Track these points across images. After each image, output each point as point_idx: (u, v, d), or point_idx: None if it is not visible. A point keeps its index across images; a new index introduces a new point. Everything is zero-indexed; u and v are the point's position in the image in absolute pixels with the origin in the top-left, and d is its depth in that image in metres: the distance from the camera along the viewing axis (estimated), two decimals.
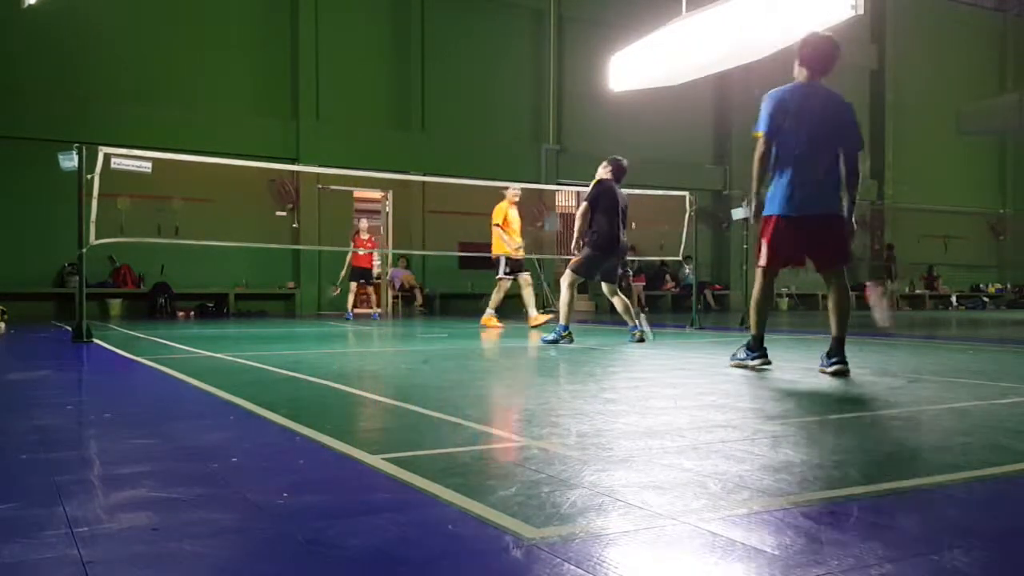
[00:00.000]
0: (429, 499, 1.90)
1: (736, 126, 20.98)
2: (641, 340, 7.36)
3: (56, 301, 13.70)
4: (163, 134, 13.80)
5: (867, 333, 6.43)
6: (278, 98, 15.88)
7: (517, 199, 10.91)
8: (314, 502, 1.91)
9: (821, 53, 4.79)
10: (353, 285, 13.42)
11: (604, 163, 8.02)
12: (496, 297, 10.70)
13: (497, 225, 10.80)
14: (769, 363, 4.88)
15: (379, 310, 14.12)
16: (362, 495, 2.03)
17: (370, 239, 13.61)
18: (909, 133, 22.92)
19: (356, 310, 13.46)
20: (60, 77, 14.03)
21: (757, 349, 4.91)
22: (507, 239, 10.60)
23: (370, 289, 13.79)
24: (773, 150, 4.74)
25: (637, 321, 7.61)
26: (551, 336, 7.24)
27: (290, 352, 6.95)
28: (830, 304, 4.80)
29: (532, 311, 10.54)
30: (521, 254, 10.86)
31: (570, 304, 7.40)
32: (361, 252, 13.26)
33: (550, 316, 10.37)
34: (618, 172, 7.89)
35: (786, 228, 4.70)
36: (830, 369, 4.56)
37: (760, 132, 4.76)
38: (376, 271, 14.61)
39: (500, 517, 1.72)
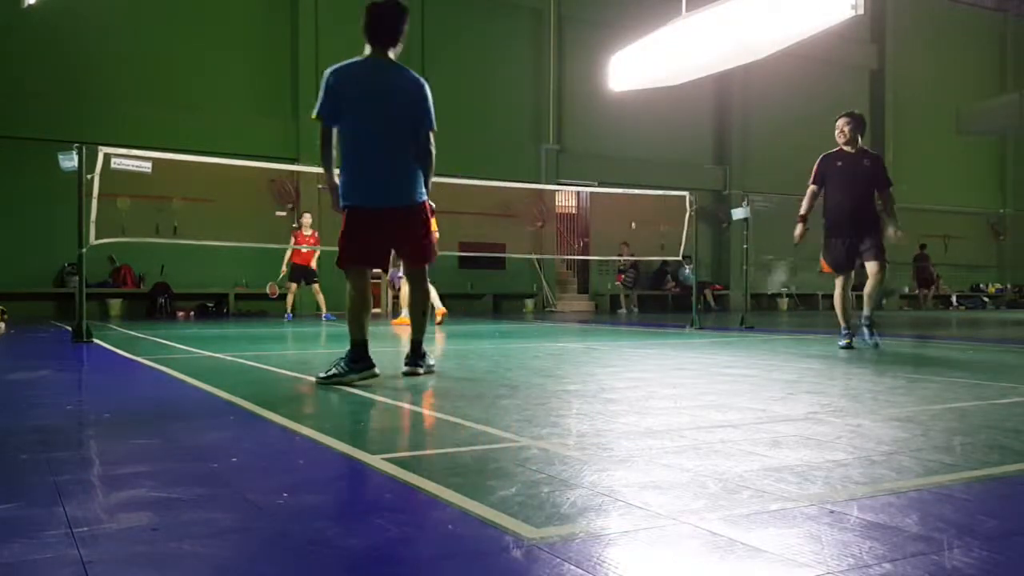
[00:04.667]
0: (429, 499, 1.90)
1: (736, 126, 20.99)
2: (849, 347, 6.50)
3: (56, 301, 13.71)
4: (163, 134, 13.81)
5: (860, 334, 6.43)
6: (278, 98, 15.89)
7: None
8: (314, 502, 1.91)
9: (375, 21, 4.26)
10: (292, 286, 12.77)
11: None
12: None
13: None
14: (376, 374, 4.18)
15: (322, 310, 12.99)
16: (362, 495, 2.03)
17: (313, 235, 12.91)
18: (909, 133, 22.94)
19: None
20: (60, 77, 14.04)
21: (361, 360, 4.16)
22: None
23: (316, 287, 12.88)
24: (334, 133, 4.26)
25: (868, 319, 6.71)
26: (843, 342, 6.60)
27: (290, 352, 6.95)
28: (408, 304, 4.57)
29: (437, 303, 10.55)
30: None
31: (840, 303, 6.76)
32: (304, 249, 12.63)
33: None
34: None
35: (365, 222, 4.25)
36: (404, 370, 4.41)
37: (316, 115, 4.26)
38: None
39: (500, 517, 1.72)
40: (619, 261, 18.52)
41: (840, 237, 6.60)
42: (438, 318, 10.67)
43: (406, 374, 4.43)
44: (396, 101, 4.28)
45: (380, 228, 4.29)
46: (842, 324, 6.70)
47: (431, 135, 4.37)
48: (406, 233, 4.36)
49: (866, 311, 6.63)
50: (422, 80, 4.39)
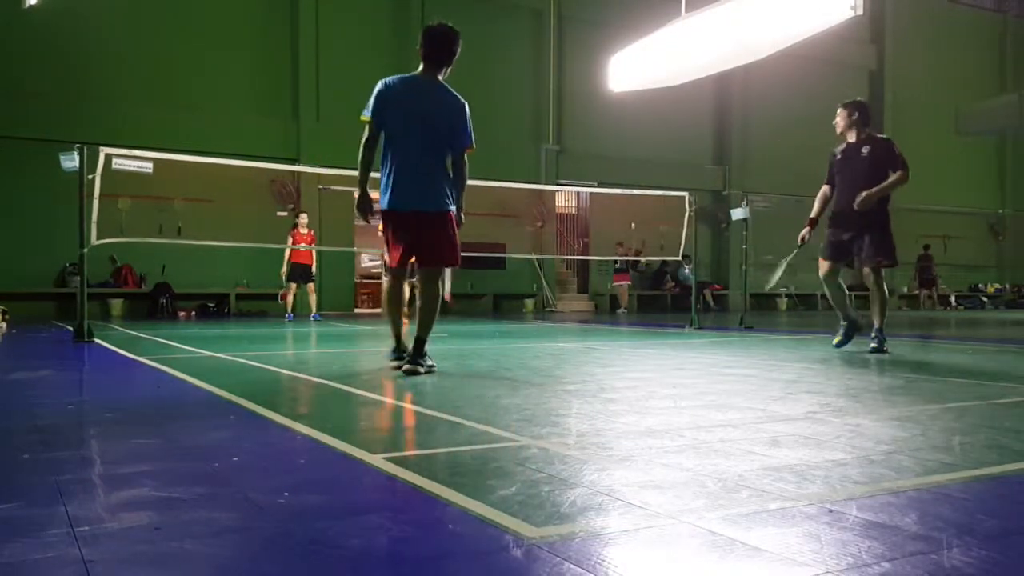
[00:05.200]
0: (429, 499, 1.90)
1: (736, 126, 20.98)
2: (880, 350, 6.05)
3: (57, 301, 13.71)
4: (163, 134, 13.81)
5: (865, 334, 6.43)
6: (278, 98, 15.89)
7: None
8: (315, 502, 1.92)
9: (431, 42, 4.63)
10: (292, 286, 12.90)
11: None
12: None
13: None
14: (397, 365, 4.71)
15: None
16: (363, 495, 2.04)
17: (310, 234, 13.11)
18: (909, 133, 22.88)
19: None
20: (60, 77, 14.04)
21: (394, 352, 4.85)
22: None
23: (310, 286, 13.08)
24: (379, 140, 4.63)
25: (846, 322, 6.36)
26: (874, 344, 6.12)
27: (291, 352, 6.96)
28: (418, 303, 4.77)
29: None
30: None
31: (829, 293, 6.36)
32: (303, 248, 12.77)
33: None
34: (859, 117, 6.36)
35: (395, 222, 4.64)
36: (405, 367, 4.56)
37: (366, 117, 4.61)
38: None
39: (500, 517, 1.73)
40: (616, 261, 18.44)
41: (835, 229, 6.27)
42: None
43: (407, 372, 4.51)
44: (434, 116, 4.60)
45: (407, 229, 4.63)
46: (840, 316, 6.35)
47: (466, 152, 4.71)
48: (426, 234, 4.63)
49: (876, 323, 6.18)
50: (463, 101, 4.69)
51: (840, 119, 6.38)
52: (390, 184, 4.59)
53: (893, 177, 6.08)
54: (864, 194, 6.02)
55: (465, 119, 4.67)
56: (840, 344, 6.37)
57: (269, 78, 15.88)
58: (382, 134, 4.62)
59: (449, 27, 4.67)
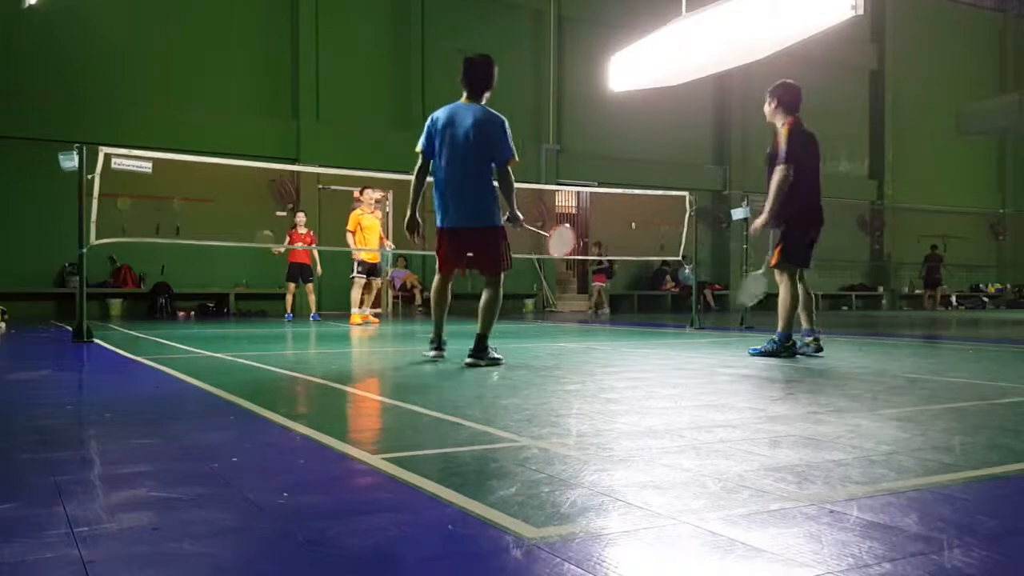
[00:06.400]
0: (429, 499, 1.90)
1: (736, 126, 20.97)
2: (819, 350, 5.73)
3: (56, 301, 13.70)
4: (163, 134, 13.80)
5: (866, 333, 6.41)
6: (278, 98, 15.89)
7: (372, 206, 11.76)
8: (314, 502, 1.91)
9: (472, 72, 5.15)
10: (291, 285, 12.88)
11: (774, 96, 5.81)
12: (354, 295, 11.53)
13: (350, 232, 11.52)
14: (432, 358, 5.24)
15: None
16: (362, 495, 2.03)
17: (308, 233, 13.07)
18: (909, 133, 22.93)
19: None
20: (60, 77, 14.04)
21: (432, 343, 5.33)
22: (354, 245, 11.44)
23: (308, 286, 13.02)
24: (431, 167, 5.22)
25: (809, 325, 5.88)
26: (766, 346, 5.71)
27: (290, 352, 6.95)
28: (480, 303, 5.22)
29: (355, 309, 11.49)
30: (375, 258, 11.77)
31: (793, 306, 5.65)
32: (300, 247, 12.68)
33: (367, 317, 11.46)
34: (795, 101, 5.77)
35: (448, 239, 5.22)
36: (467, 360, 5.03)
37: (418, 149, 5.23)
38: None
39: (500, 517, 1.72)
40: (594, 261, 18.28)
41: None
42: (368, 321, 11.37)
43: (467, 365, 4.98)
44: (475, 137, 5.05)
45: (459, 242, 5.20)
46: (804, 325, 5.83)
47: (509, 164, 5.15)
48: (478, 247, 5.19)
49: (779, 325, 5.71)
50: (501, 118, 5.14)
51: (765, 106, 5.88)
52: (442, 205, 5.17)
53: (772, 181, 5.49)
54: (754, 226, 5.71)
55: (505, 134, 5.10)
56: (755, 351, 5.79)
57: (269, 78, 15.88)
58: (432, 162, 5.19)
59: (487, 57, 5.21)
